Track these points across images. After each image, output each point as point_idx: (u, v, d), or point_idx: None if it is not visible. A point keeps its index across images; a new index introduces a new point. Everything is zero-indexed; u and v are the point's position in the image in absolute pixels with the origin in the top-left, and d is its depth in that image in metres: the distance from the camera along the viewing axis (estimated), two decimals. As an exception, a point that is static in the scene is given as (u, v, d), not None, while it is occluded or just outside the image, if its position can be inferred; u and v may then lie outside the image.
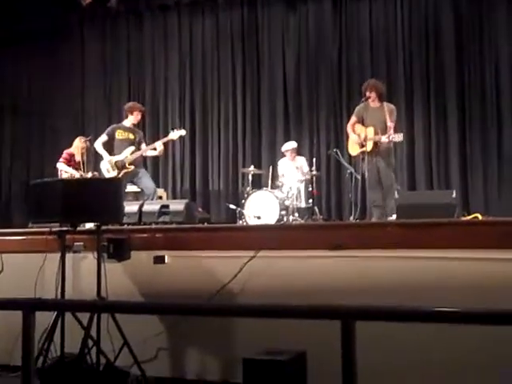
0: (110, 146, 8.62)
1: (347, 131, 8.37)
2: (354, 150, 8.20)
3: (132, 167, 8.51)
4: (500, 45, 9.87)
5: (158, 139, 9.12)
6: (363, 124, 8.05)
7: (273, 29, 11.26)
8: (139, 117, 8.83)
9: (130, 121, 8.72)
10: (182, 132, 8.84)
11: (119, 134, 8.63)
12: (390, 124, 7.87)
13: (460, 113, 9.99)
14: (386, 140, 7.80)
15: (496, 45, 9.90)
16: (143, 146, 8.73)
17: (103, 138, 8.69)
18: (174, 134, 8.76)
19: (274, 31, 11.25)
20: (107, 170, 8.58)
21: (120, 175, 8.43)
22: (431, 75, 10.23)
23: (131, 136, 8.63)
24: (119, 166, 8.51)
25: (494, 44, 9.92)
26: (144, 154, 8.87)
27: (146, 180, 8.69)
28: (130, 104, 9.04)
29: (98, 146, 8.68)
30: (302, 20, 11.10)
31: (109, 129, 8.80)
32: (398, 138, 7.83)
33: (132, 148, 8.54)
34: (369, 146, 7.83)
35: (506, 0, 9.82)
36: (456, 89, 10.04)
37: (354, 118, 8.25)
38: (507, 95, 9.77)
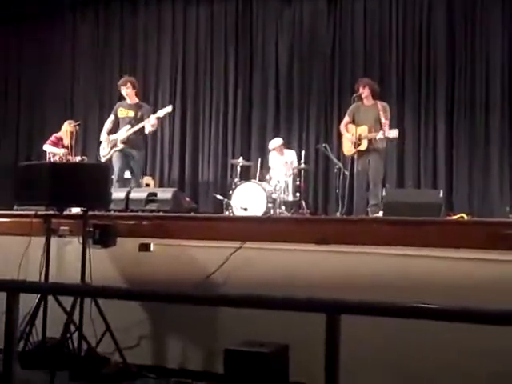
0: (117, 125, 8.54)
1: (340, 131, 8.39)
2: (348, 149, 8.19)
3: (122, 146, 8.29)
4: (491, 46, 9.85)
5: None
6: (355, 123, 8.08)
7: (267, 23, 11.19)
8: (128, 90, 8.47)
9: (128, 97, 8.51)
10: (168, 108, 8.53)
11: (120, 112, 8.48)
12: (385, 121, 7.90)
13: (449, 113, 9.98)
14: (382, 136, 7.81)
15: (487, 46, 9.88)
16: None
17: (111, 117, 8.60)
18: (161, 112, 8.45)
19: (268, 25, 11.18)
20: (103, 147, 8.51)
21: (110, 153, 8.33)
22: (423, 75, 10.22)
23: (131, 113, 8.39)
24: (112, 144, 8.39)
25: (485, 46, 9.90)
26: (142, 132, 8.48)
27: (136, 165, 8.48)
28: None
29: (106, 124, 8.60)
30: (297, 15, 11.02)
31: (115, 107, 8.69)
32: (393, 133, 7.86)
33: (128, 126, 8.30)
34: (363, 145, 7.91)
35: (500, 6, 9.80)
36: (446, 89, 10.03)
37: (346, 118, 8.27)
38: (496, 96, 9.77)
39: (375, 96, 8.14)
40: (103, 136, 8.52)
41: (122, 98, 8.77)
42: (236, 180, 9.28)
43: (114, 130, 8.52)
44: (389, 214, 6.15)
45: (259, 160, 9.70)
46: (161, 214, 6.35)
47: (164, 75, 11.79)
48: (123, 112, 8.43)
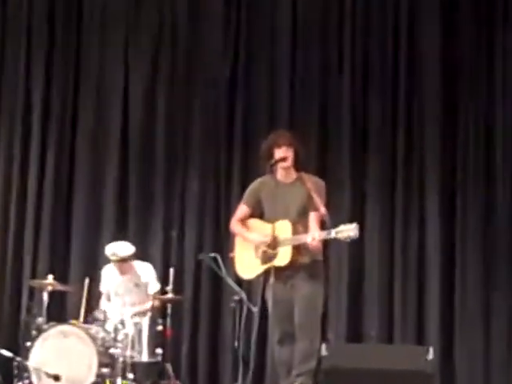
0: None
1: (232, 230, 5.84)
2: (250, 269, 5.67)
3: None
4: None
5: None
6: (266, 217, 5.64)
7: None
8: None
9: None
10: None
11: None
12: (323, 210, 5.36)
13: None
14: (328, 237, 5.32)
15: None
16: None
17: None
18: None
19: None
20: None
21: None
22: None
23: None
24: None
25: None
26: None
27: None
28: None
29: None
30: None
31: None
32: (351, 231, 5.31)
33: None
34: (283, 257, 5.36)
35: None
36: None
37: (243, 208, 5.77)
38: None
39: (299, 164, 5.74)
40: None
41: None
42: (39, 320, 6.64)
43: None
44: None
45: (86, 281, 6.93)
46: None
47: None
48: None
